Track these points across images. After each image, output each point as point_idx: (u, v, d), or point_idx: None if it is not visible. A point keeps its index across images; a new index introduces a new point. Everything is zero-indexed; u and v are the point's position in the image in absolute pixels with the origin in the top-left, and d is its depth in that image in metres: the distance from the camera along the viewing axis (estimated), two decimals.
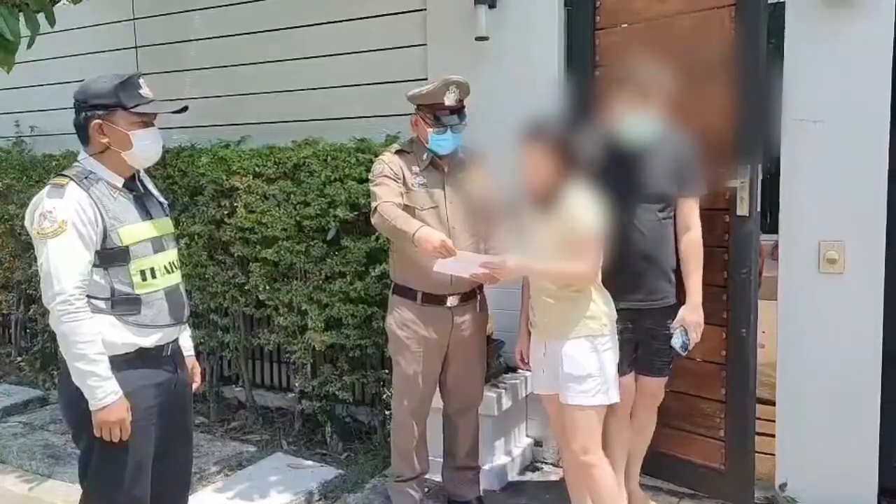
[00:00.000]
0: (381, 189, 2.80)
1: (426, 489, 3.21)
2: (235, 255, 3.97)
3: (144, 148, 2.18)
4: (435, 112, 2.81)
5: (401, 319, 2.93)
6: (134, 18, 4.84)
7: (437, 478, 3.26)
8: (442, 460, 3.21)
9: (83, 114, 2.14)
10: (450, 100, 2.80)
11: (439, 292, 2.88)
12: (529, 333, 2.78)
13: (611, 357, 2.60)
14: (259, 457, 3.74)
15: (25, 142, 5.33)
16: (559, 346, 2.59)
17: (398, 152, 2.91)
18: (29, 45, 3.79)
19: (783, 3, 2.96)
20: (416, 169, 2.86)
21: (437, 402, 3.11)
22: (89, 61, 4.90)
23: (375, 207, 2.78)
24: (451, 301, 2.91)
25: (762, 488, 3.09)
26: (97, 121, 2.13)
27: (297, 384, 3.92)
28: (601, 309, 2.59)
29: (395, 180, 2.82)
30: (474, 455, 3.16)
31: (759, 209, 2.90)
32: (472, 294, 2.97)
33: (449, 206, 2.86)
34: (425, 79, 3.65)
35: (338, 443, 3.83)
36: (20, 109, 5.43)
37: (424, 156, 2.87)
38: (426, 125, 2.83)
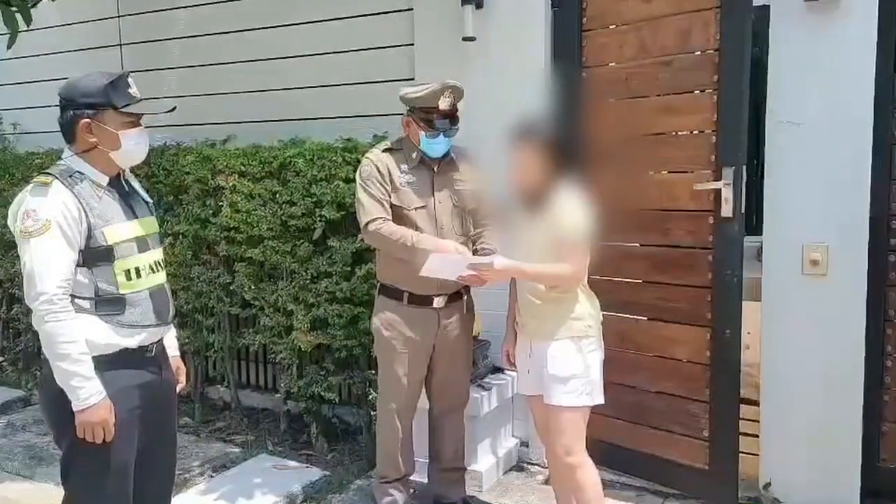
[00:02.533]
0: (368, 202, 2.79)
1: (411, 490, 3.20)
2: (220, 254, 3.95)
3: (132, 148, 2.17)
4: (428, 115, 2.80)
5: (387, 320, 2.92)
6: (119, 16, 4.81)
7: (423, 479, 3.26)
8: (427, 461, 3.20)
9: (70, 112, 2.11)
10: (444, 104, 2.78)
11: (426, 293, 2.87)
12: (516, 334, 2.78)
13: (596, 359, 2.60)
14: (244, 458, 3.71)
15: (8, 139, 5.28)
16: (544, 347, 2.59)
17: (387, 150, 2.89)
18: (9, 45, 3.75)
19: (767, 5, 2.98)
20: (404, 167, 2.85)
21: (424, 402, 3.11)
22: (73, 59, 4.87)
23: (367, 225, 2.77)
24: (438, 302, 2.90)
25: (746, 488, 3.11)
26: (86, 120, 2.10)
27: (282, 385, 3.90)
28: (587, 310, 2.60)
29: (381, 182, 2.81)
30: (460, 456, 3.15)
31: (743, 211, 2.91)
32: (458, 295, 2.96)
33: (438, 206, 2.86)
34: (412, 79, 3.65)
35: (323, 444, 3.81)
36: (3, 107, 5.38)
37: (414, 155, 2.86)
38: (418, 128, 2.82)
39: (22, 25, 3.56)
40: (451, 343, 2.95)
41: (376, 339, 2.99)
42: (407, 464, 3.07)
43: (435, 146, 2.83)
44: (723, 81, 2.92)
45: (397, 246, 2.76)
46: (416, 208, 2.82)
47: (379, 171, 2.82)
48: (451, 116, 2.83)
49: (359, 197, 2.83)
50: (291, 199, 3.66)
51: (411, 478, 3.16)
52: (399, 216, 2.82)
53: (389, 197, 2.82)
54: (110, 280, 2.10)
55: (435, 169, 2.89)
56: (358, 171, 2.90)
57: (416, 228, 2.81)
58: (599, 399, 2.61)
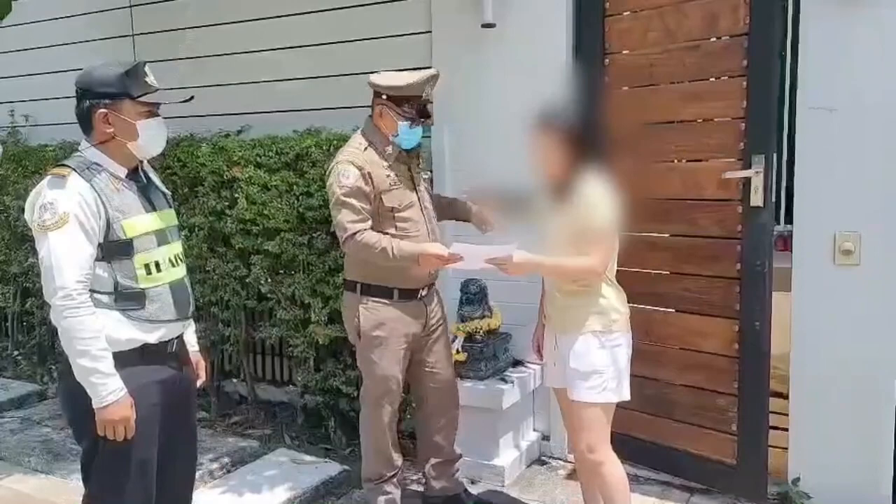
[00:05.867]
0: (346, 216, 2.63)
1: (409, 489, 3.15)
2: (236, 247, 3.90)
3: (150, 138, 2.12)
4: (411, 105, 2.70)
5: (376, 319, 2.79)
6: (131, 6, 4.75)
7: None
8: (427, 460, 3.10)
9: (87, 102, 2.06)
10: (427, 94, 2.72)
11: (413, 286, 2.82)
12: (544, 325, 2.73)
13: (622, 353, 2.53)
14: (262, 452, 3.68)
15: (20, 132, 5.24)
16: (567, 341, 2.54)
17: (366, 148, 2.74)
18: None
19: None
20: (385, 164, 2.74)
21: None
22: (85, 49, 4.81)
23: (347, 239, 2.64)
24: (422, 292, 2.86)
25: (774, 483, 3.05)
26: (102, 110, 2.05)
27: (299, 378, 3.86)
28: (611, 304, 2.53)
29: (364, 190, 2.65)
30: (452, 444, 3.07)
31: (773, 200, 2.84)
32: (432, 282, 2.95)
33: (422, 197, 2.82)
34: (430, 67, 3.57)
35: (341, 438, 3.77)
36: (14, 99, 5.34)
37: (389, 149, 2.75)
38: (398, 118, 2.71)
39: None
40: (434, 328, 2.93)
41: (364, 341, 2.83)
42: (398, 458, 3.00)
43: (412, 137, 2.75)
44: (752, 66, 2.84)
45: (378, 256, 2.64)
46: (406, 206, 2.76)
47: (364, 179, 2.66)
48: (426, 105, 2.76)
49: (335, 209, 2.67)
50: (308, 191, 3.60)
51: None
52: (391, 217, 2.73)
53: (371, 202, 2.69)
54: (130, 274, 2.05)
55: (410, 162, 2.82)
56: (335, 173, 2.68)
57: (411, 224, 2.75)
58: (625, 395, 2.55)
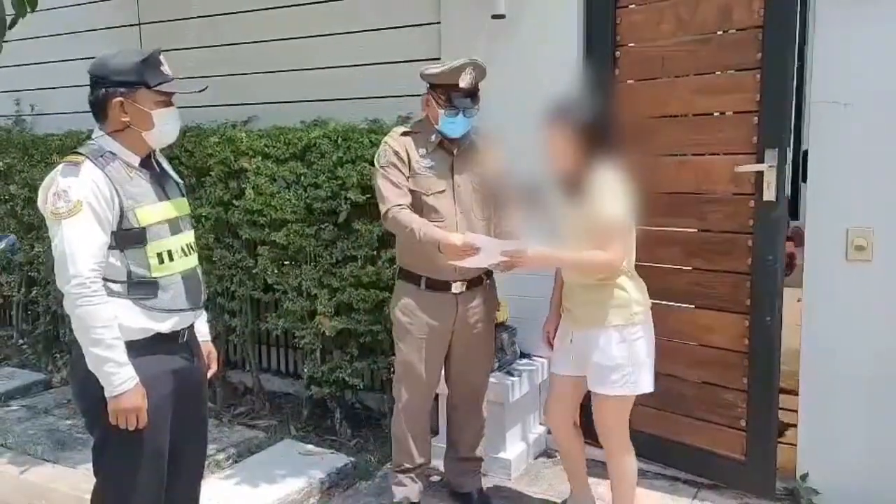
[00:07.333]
0: (387, 188, 2.72)
1: (428, 481, 3.13)
2: (243, 238, 3.89)
3: (165, 128, 2.11)
4: (448, 93, 2.71)
5: (405, 305, 2.84)
6: None
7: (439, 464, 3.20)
8: (445, 449, 3.14)
9: (102, 90, 2.05)
10: (465, 82, 2.69)
11: (444, 278, 2.79)
12: (558, 316, 2.73)
13: (643, 346, 2.54)
14: (268, 443, 3.67)
15: (26, 121, 5.22)
16: (588, 335, 2.54)
17: (405, 134, 2.81)
18: (10, 26, 3.68)
19: None
20: (423, 151, 2.77)
21: (444, 388, 3.04)
22: (91, 39, 4.77)
23: (386, 212, 2.72)
24: (457, 287, 2.81)
25: (782, 479, 3.03)
26: (119, 98, 2.04)
27: (305, 370, 3.85)
28: (632, 297, 2.53)
29: (400, 168, 2.74)
30: (477, 447, 3.07)
31: (787, 194, 2.83)
32: (479, 280, 2.88)
33: (457, 190, 2.78)
34: (438, 58, 3.56)
35: (347, 429, 3.77)
36: (20, 87, 5.31)
37: (433, 137, 2.77)
38: (438, 106, 2.74)
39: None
40: (469, 329, 2.87)
41: (394, 324, 2.92)
42: (421, 453, 2.98)
43: (454, 126, 2.74)
44: (767, 60, 2.82)
45: (407, 235, 2.69)
46: (435, 193, 2.75)
47: (398, 156, 2.75)
48: (472, 95, 2.74)
49: (377, 184, 2.77)
50: (316, 182, 3.59)
51: (429, 466, 3.09)
52: (418, 201, 2.75)
53: (408, 181, 2.75)
54: (143, 263, 2.05)
55: (455, 152, 2.80)
56: (376, 157, 2.82)
57: (436, 213, 2.74)
58: (646, 388, 2.56)
